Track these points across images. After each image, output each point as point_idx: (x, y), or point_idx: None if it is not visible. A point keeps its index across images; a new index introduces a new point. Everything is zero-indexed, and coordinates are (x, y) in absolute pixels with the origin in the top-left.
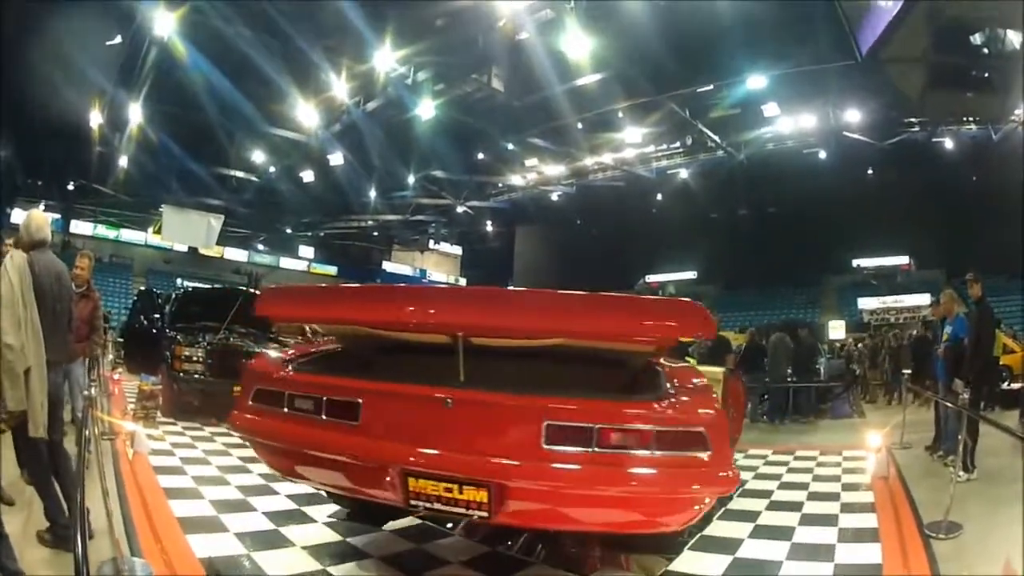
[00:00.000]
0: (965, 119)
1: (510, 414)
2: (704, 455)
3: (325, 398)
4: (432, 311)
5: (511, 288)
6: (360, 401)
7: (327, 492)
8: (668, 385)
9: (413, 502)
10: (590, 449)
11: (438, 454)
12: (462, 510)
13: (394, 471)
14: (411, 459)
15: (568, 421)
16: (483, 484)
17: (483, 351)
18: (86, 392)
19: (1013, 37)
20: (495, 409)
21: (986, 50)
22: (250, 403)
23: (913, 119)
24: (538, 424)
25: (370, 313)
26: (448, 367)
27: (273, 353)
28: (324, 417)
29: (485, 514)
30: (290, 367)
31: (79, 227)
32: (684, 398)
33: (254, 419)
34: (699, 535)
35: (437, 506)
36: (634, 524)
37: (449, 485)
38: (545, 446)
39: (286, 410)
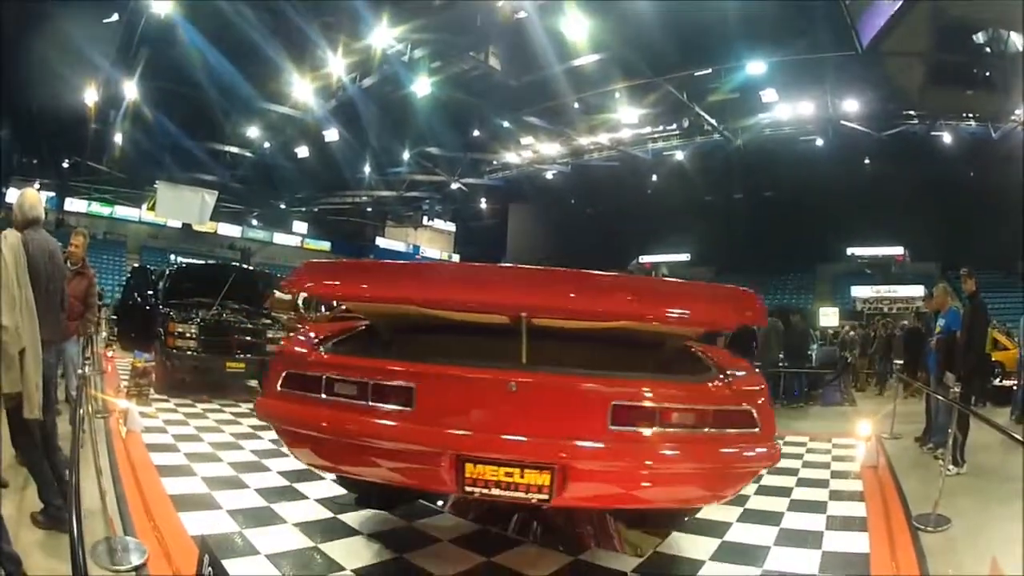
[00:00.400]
0: (965, 115)
1: (577, 396)
2: (754, 431)
3: (372, 382)
4: (499, 291)
5: (577, 269)
6: (414, 385)
7: (340, 477)
8: (715, 366)
9: (468, 488)
10: (653, 428)
11: (500, 438)
12: (521, 494)
13: (448, 457)
14: (471, 444)
15: (634, 401)
16: (546, 467)
17: (533, 333)
18: (80, 371)
19: (1016, 38)
20: (561, 391)
21: (988, 49)
22: (280, 388)
23: (912, 112)
24: (605, 405)
25: (432, 292)
26: (500, 348)
27: (303, 336)
28: (370, 403)
29: (545, 497)
30: (324, 349)
31: (73, 205)
32: (734, 378)
33: (285, 405)
34: (688, 517)
35: (495, 491)
36: (689, 499)
37: (510, 469)
38: (612, 427)
39: (323, 396)
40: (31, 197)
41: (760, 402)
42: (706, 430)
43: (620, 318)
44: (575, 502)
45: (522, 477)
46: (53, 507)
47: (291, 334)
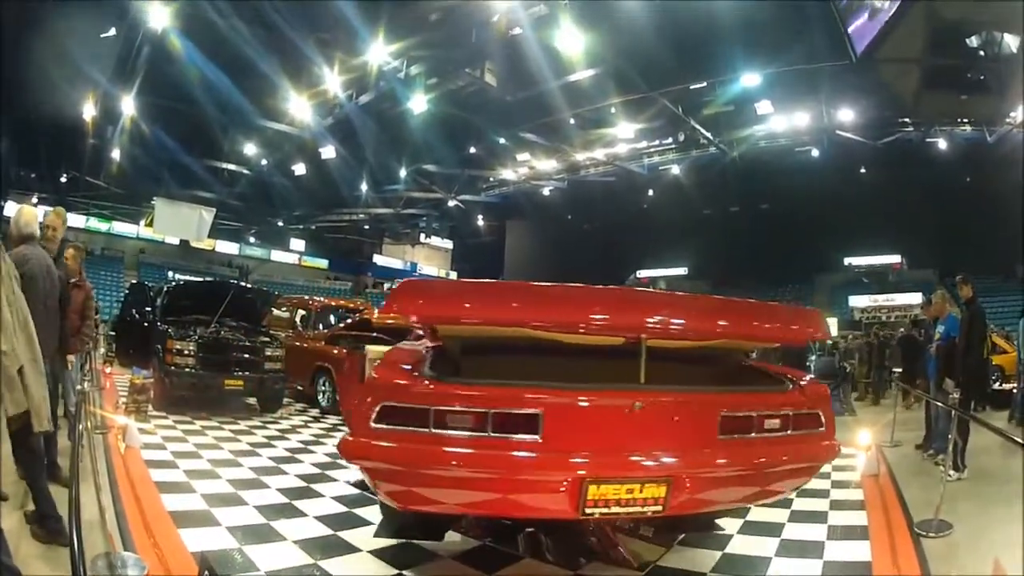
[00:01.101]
0: (960, 120)
1: (691, 410)
2: (821, 430)
3: (493, 411)
4: (625, 313)
5: (685, 293)
6: (541, 411)
7: (385, 509)
8: (784, 377)
9: (588, 510)
10: (751, 434)
11: (625, 457)
12: (638, 508)
13: (571, 481)
14: (597, 467)
15: (738, 412)
16: (662, 480)
17: (625, 352)
18: (79, 387)
19: (1010, 40)
20: (677, 407)
21: (982, 52)
22: (375, 425)
23: (907, 119)
24: (714, 417)
25: (557, 314)
26: (610, 369)
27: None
28: (493, 433)
29: (660, 508)
30: (426, 377)
31: (72, 219)
32: (803, 386)
33: (385, 443)
34: (688, 531)
35: (614, 509)
36: (775, 493)
37: (631, 486)
38: (720, 436)
39: (434, 430)
40: (27, 214)
41: (825, 405)
42: (788, 432)
43: (723, 337)
44: (684, 508)
45: (641, 492)
46: (51, 519)
47: (379, 363)
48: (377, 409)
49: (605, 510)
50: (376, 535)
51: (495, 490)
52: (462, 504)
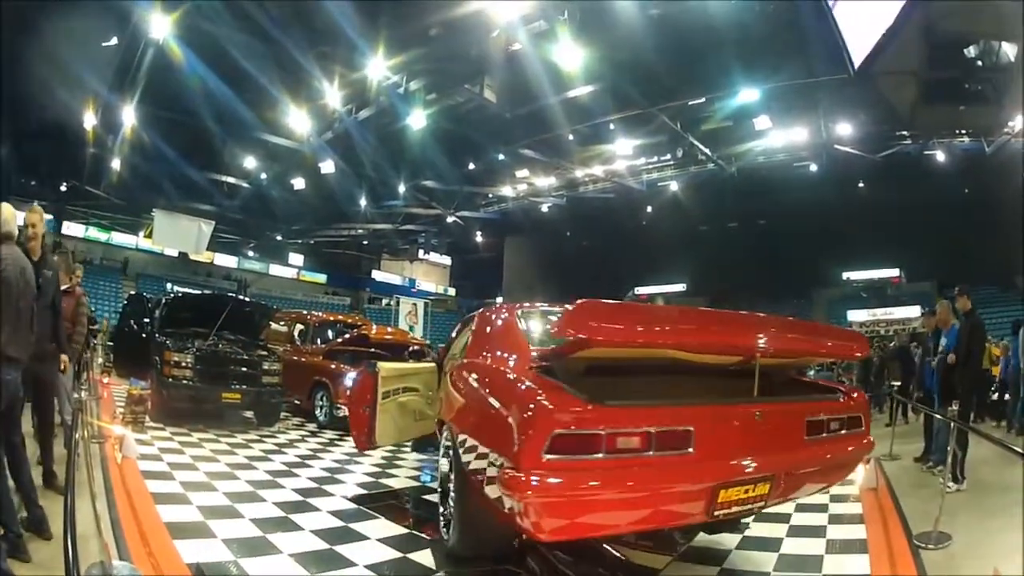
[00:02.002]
0: (958, 132)
1: (789, 418)
2: (863, 429)
3: (656, 429)
4: (748, 334)
5: (783, 316)
6: (693, 428)
7: (470, 533)
8: (833, 387)
9: (716, 512)
10: (823, 435)
11: (750, 462)
12: (750, 506)
13: (706, 488)
14: (729, 472)
15: (818, 416)
16: (768, 478)
17: (709, 370)
18: (76, 395)
19: (1008, 49)
20: (782, 416)
21: (980, 62)
22: (547, 455)
23: (905, 132)
24: (802, 422)
25: (705, 336)
26: (717, 385)
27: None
28: (655, 452)
29: (763, 503)
30: (587, 401)
31: (71, 229)
32: (848, 393)
33: (558, 474)
34: (686, 546)
35: (734, 509)
36: (834, 482)
37: (747, 487)
38: (806, 438)
39: (602, 455)
40: (5, 212)
41: (865, 410)
42: (843, 432)
43: (810, 354)
44: (775, 499)
45: (754, 491)
46: (12, 534)
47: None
48: (550, 439)
49: (727, 510)
50: (449, 552)
51: (651, 505)
52: (619, 524)
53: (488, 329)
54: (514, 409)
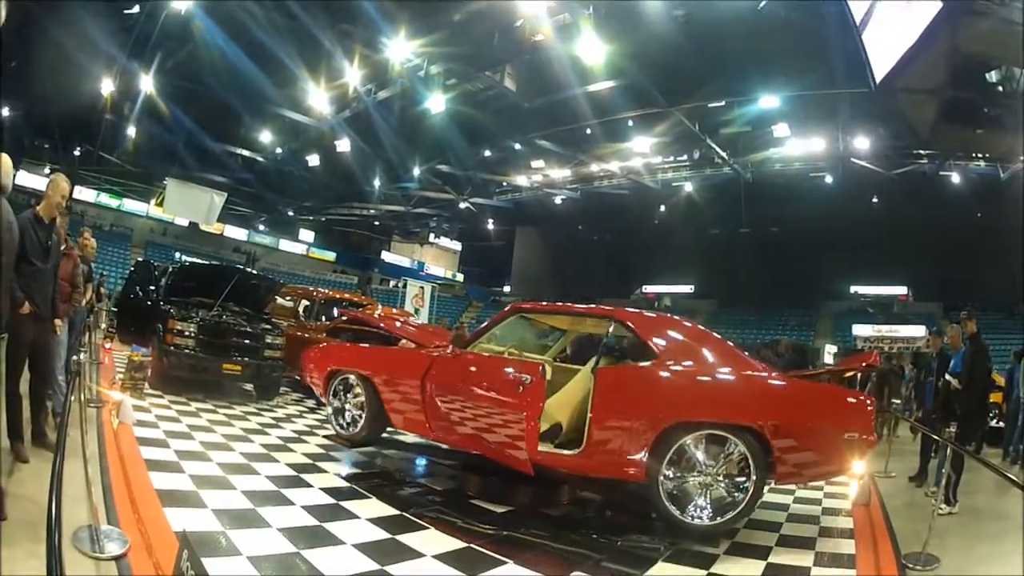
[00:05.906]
0: (974, 155)
1: None
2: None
3: None
4: None
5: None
6: None
7: None
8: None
9: None
10: None
11: None
12: None
13: None
14: None
15: None
16: None
17: None
18: (74, 358)
19: None
20: None
21: (1000, 88)
22: None
23: (922, 151)
24: None
25: None
26: None
27: None
28: None
29: None
30: None
31: (82, 194)
32: (864, 397)
33: None
34: (674, 548)
35: None
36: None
37: None
38: None
39: None
40: (5, 164)
41: (873, 409)
42: None
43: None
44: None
45: None
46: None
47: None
48: None
49: None
50: None
51: None
52: None
53: None
54: None
